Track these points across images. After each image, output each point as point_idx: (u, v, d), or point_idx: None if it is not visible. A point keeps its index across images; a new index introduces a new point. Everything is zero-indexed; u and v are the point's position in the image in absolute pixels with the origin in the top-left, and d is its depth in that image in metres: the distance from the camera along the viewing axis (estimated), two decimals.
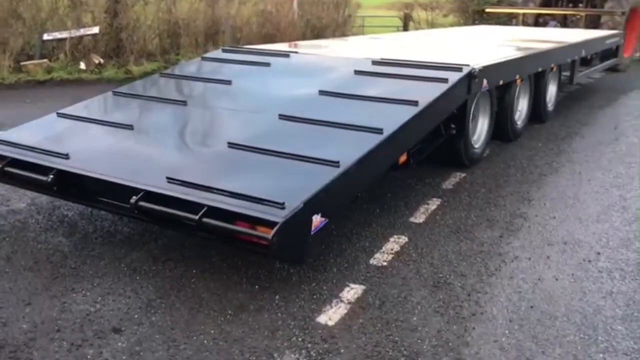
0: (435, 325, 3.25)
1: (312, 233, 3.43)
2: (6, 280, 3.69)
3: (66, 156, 4.09)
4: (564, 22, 13.79)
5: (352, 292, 3.59)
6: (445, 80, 4.95)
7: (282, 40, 13.26)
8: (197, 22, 13.29)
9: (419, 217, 4.76)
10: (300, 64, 5.90)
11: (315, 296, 3.54)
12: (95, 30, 12.28)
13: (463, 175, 5.84)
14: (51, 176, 3.93)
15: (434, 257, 4.06)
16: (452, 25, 18.44)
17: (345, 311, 3.38)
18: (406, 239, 4.34)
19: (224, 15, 13.52)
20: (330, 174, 3.62)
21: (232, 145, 4.12)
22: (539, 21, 14.01)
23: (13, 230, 4.42)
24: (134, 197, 3.56)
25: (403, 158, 4.61)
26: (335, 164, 3.70)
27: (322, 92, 4.93)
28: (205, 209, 3.33)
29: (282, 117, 4.52)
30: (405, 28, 17.91)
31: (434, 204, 5.06)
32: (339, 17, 14.53)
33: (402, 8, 32.08)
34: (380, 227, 4.54)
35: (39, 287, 3.61)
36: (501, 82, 6.07)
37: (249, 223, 3.27)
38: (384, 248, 4.19)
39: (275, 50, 6.37)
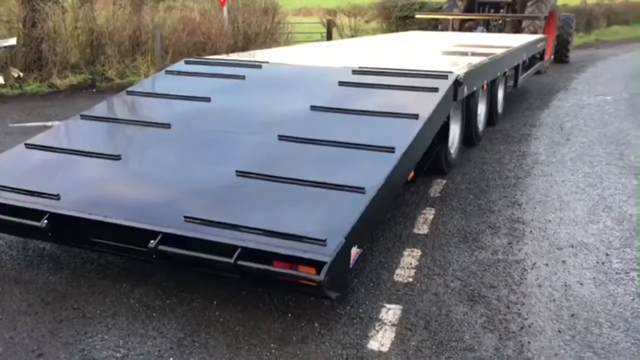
0: (490, 342, 3.15)
1: (350, 266, 3.25)
2: (4, 329, 3.24)
3: (57, 197, 3.68)
4: (487, 27, 14.27)
5: (390, 312, 3.43)
6: (435, 90, 4.89)
7: (213, 49, 12.92)
8: (121, 32, 12.62)
9: (422, 228, 4.66)
10: (276, 76, 5.64)
11: (355, 320, 3.35)
12: (13, 41, 11.40)
13: (444, 181, 5.82)
14: (45, 221, 3.51)
15: (456, 269, 3.97)
16: (374, 31, 18.68)
17: (394, 334, 3.21)
18: (419, 252, 4.23)
19: (149, 23, 12.95)
20: (360, 201, 3.44)
21: (240, 173, 3.85)
22: (464, 26, 14.41)
23: None
24: (152, 241, 3.24)
25: (411, 174, 4.50)
26: (360, 190, 3.53)
27: (314, 108, 4.71)
28: (239, 250, 3.08)
29: (282, 138, 4.27)
30: (329, 34, 17.93)
31: (429, 213, 4.99)
32: (267, 24, 14.30)
33: (308, 13, 32.24)
34: (388, 241, 4.41)
35: (45, 334, 3.19)
36: (475, 88, 6.11)
37: (289, 263, 3.05)
38: (402, 263, 4.06)
39: (243, 61, 6.09)
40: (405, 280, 3.81)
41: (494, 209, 5.10)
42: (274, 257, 3.07)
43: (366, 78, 5.31)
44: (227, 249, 3.11)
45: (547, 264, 4.07)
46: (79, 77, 11.62)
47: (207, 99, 5.06)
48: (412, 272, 3.93)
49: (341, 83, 5.20)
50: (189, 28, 12.87)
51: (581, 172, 6.25)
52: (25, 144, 4.51)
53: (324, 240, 3.06)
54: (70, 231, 3.64)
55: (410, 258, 4.14)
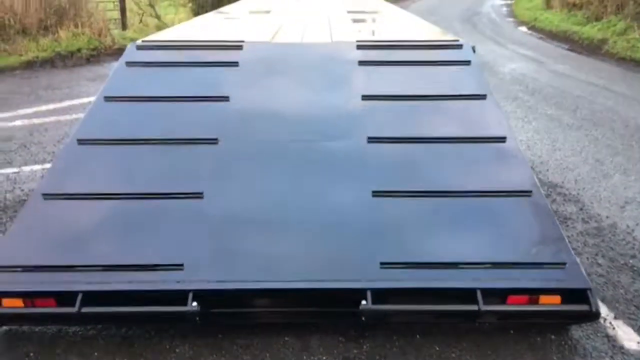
0: None
1: None
2: None
3: (181, 267, 2.83)
4: None
5: None
6: (468, 63, 4.63)
7: (21, 26, 10.81)
8: None
9: None
10: (273, 59, 4.63)
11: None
12: None
13: None
14: (194, 303, 2.66)
15: (580, 246, 3.91)
16: None
17: (626, 324, 3.07)
18: None
19: None
20: (541, 206, 3.20)
21: (377, 193, 3.26)
22: None
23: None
24: (363, 301, 2.68)
25: None
26: (527, 193, 3.26)
27: (366, 97, 4.10)
28: (479, 292, 2.72)
29: (373, 140, 3.67)
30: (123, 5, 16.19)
31: None
32: None
33: None
34: None
35: None
36: None
37: (530, 295, 2.78)
38: None
39: (212, 43, 4.99)
40: None
41: None
42: (510, 291, 2.78)
43: (380, 54, 4.81)
44: (460, 294, 2.76)
45: (637, 224, 4.22)
46: None
47: (225, 98, 4.11)
48: None
49: (362, 62, 4.62)
50: None
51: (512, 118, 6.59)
52: (44, 195, 3.26)
53: (564, 264, 2.85)
54: (228, 307, 2.87)
55: None
